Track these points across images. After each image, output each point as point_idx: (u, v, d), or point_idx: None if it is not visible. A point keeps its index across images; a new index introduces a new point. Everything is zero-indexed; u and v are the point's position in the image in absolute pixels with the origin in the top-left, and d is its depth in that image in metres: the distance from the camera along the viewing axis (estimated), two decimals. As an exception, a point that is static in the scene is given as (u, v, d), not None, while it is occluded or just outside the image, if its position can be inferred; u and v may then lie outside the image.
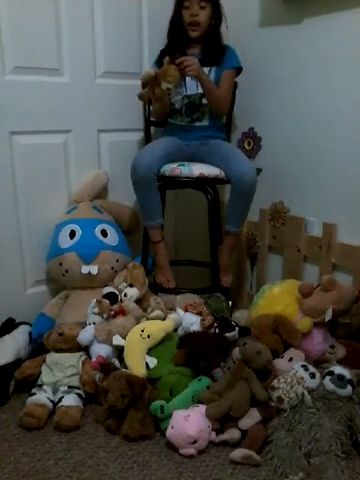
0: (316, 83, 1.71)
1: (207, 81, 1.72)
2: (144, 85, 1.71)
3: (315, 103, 1.73)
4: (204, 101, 1.80)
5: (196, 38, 1.77)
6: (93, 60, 1.83)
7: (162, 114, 1.89)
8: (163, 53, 1.82)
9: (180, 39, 1.79)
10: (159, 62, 1.78)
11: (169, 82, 1.62)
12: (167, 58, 1.63)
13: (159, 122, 2.00)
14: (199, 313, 1.57)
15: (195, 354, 1.43)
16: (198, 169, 1.71)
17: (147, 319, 1.59)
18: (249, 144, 2.01)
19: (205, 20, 1.74)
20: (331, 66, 1.65)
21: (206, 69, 1.75)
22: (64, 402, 1.37)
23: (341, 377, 1.26)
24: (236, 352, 1.43)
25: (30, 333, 1.68)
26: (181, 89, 1.77)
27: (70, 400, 1.38)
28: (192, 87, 1.77)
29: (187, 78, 1.73)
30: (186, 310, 1.61)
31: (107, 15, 1.82)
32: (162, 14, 1.81)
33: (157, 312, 1.60)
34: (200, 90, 1.77)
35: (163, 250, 1.82)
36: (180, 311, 1.64)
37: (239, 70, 1.83)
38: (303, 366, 1.32)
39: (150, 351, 1.47)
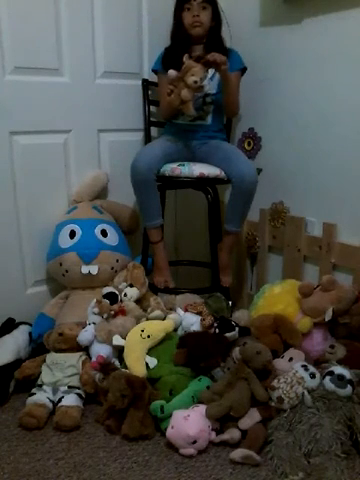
0: (316, 83, 1.71)
1: (231, 80, 1.71)
2: (169, 93, 1.63)
3: (315, 103, 1.72)
4: (208, 100, 1.80)
5: (198, 36, 1.76)
6: (93, 60, 1.83)
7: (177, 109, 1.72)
8: (168, 51, 1.82)
9: (182, 42, 1.78)
10: (163, 60, 1.80)
11: (195, 74, 1.57)
12: (186, 55, 1.60)
13: (159, 122, 2.00)
14: (199, 313, 1.57)
15: (195, 354, 1.43)
16: (198, 169, 1.71)
17: (147, 319, 1.59)
18: (249, 144, 2.01)
19: (207, 20, 1.75)
20: (331, 66, 1.65)
21: (211, 71, 1.73)
22: (64, 402, 1.37)
23: (341, 377, 1.26)
24: (236, 352, 1.43)
25: (30, 333, 1.68)
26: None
27: (70, 400, 1.38)
28: None
29: None
30: (186, 310, 1.61)
31: (107, 15, 1.82)
32: (162, 14, 1.81)
33: (157, 312, 1.60)
34: (205, 89, 1.76)
35: (162, 250, 1.82)
36: (180, 311, 1.64)
37: (243, 70, 1.84)
38: (303, 366, 1.32)
39: (150, 351, 1.47)
